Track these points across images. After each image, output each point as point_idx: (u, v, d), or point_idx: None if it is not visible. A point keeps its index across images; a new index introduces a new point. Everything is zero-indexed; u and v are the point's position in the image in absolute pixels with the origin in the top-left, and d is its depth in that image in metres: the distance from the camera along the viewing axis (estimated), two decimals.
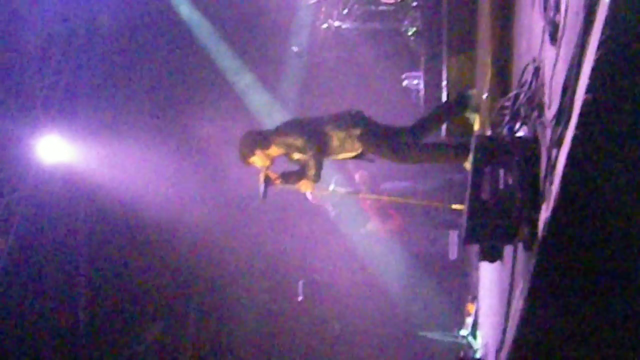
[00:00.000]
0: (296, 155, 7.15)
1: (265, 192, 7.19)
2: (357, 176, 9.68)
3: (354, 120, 7.08)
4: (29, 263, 11.85)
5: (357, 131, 7.02)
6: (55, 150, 11.44)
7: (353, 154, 7.18)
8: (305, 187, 7.21)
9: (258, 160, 7.15)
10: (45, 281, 12.12)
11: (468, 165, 7.01)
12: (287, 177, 7.28)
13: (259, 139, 7.20)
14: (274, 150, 7.15)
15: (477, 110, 7.24)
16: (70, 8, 11.63)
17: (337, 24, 11.14)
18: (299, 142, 7.03)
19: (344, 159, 7.38)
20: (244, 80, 12.84)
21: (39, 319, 12.07)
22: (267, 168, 7.16)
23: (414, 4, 10.55)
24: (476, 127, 7.25)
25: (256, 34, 12.67)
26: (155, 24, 12.68)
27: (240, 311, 13.37)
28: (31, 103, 11.27)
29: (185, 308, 13.36)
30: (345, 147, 7.08)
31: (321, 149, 7.02)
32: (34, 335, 12.02)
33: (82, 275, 12.64)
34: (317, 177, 7.09)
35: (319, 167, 7.04)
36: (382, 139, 7.12)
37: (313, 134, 7.02)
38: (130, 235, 12.96)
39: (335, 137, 7.03)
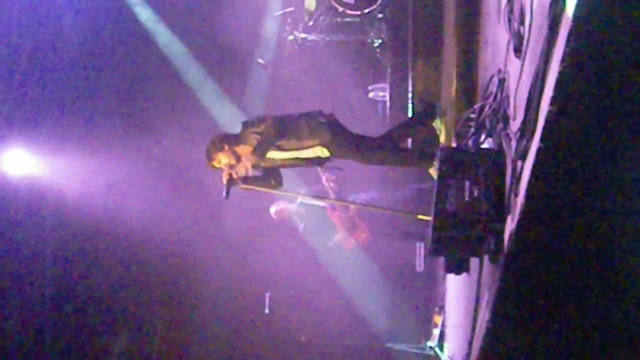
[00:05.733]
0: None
1: (228, 192, 7.21)
2: (324, 177, 9.53)
3: (323, 113, 7.19)
4: None
5: (326, 119, 7.17)
6: (20, 163, 11.33)
7: (320, 153, 7.19)
8: (243, 165, 7.10)
9: (224, 157, 7.16)
10: (10, 294, 11.98)
11: (433, 171, 7.08)
12: (249, 180, 7.32)
13: (228, 136, 7.28)
14: (242, 149, 7.17)
15: (443, 119, 7.30)
16: (35, 21, 11.54)
17: (302, 35, 11.13)
18: (262, 126, 7.06)
19: (311, 162, 7.36)
20: (209, 92, 12.80)
21: (2, 332, 11.92)
22: (231, 168, 7.17)
23: (380, 15, 10.59)
24: (442, 137, 7.30)
25: (222, 45, 12.62)
26: (120, 36, 12.61)
27: (206, 322, 13.30)
28: None
29: (151, 319, 13.26)
30: (314, 136, 7.10)
31: (281, 133, 7.06)
32: None
33: (47, 288, 12.50)
34: (259, 154, 7.07)
35: (267, 145, 7.05)
36: (349, 134, 7.21)
37: (280, 120, 7.10)
38: (96, 247, 12.86)
39: (305, 123, 7.10)
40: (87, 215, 12.26)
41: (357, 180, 9.94)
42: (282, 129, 7.09)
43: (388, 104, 10.43)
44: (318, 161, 7.31)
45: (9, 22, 11.14)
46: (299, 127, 7.12)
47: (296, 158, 7.25)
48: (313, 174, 9.38)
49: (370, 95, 11.34)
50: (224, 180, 7.17)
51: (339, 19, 10.85)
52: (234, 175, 7.17)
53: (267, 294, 11.84)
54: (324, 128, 7.14)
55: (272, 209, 9.74)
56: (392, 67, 10.22)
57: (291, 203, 9.58)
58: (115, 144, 12.44)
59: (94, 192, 12.20)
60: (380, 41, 10.83)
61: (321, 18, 10.88)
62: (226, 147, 7.16)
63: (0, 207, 11.44)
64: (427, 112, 7.56)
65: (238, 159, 7.23)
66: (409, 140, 8.13)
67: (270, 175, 7.41)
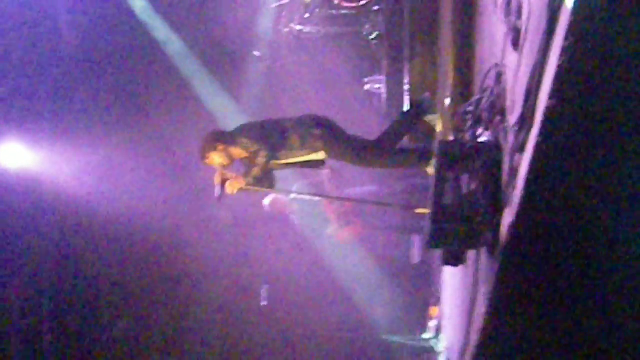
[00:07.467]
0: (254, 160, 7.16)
1: (221, 193, 7.19)
2: (324, 173, 9.47)
3: (316, 120, 7.14)
4: None
5: (319, 131, 7.07)
6: (17, 156, 11.31)
7: (316, 157, 7.18)
8: (232, 185, 7.10)
9: (218, 157, 7.15)
10: (9, 287, 11.98)
11: (430, 170, 7.07)
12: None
13: (223, 135, 7.25)
14: (236, 151, 7.16)
15: (436, 112, 7.29)
16: (30, 13, 11.52)
17: (298, 28, 11.14)
18: (253, 146, 7.04)
19: (307, 167, 7.36)
20: (206, 85, 12.78)
21: (2, 320, 11.94)
22: (225, 168, 7.17)
23: (376, 8, 10.58)
24: (438, 127, 7.29)
25: (218, 38, 12.61)
26: (116, 28, 12.59)
27: (204, 315, 13.32)
28: None
29: (149, 311, 13.28)
30: (307, 147, 7.09)
31: (274, 156, 7.04)
32: None
33: (46, 280, 12.50)
34: (252, 181, 7.07)
35: (262, 173, 7.05)
36: (344, 141, 7.17)
37: (270, 135, 7.06)
38: (94, 239, 12.87)
39: (296, 136, 7.06)
40: (85, 207, 12.28)
41: (354, 173, 9.95)
42: (273, 147, 7.05)
43: (384, 96, 10.43)
44: (315, 164, 7.31)
45: (5, 15, 11.12)
46: (290, 141, 7.08)
47: (293, 163, 7.24)
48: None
49: (367, 87, 11.34)
50: (217, 181, 7.16)
51: (335, 11, 10.85)
52: (227, 176, 7.16)
53: (264, 287, 11.86)
54: (316, 139, 7.09)
55: (266, 201, 9.72)
56: (388, 60, 10.22)
57: (285, 196, 9.56)
58: (113, 137, 12.44)
59: (91, 184, 12.22)
60: (376, 33, 10.83)
61: (317, 10, 10.89)
62: (220, 147, 7.13)
63: None
64: (417, 109, 7.54)
65: (232, 160, 7.21)
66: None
67: (264, 176, 7.38)
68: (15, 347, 12.09)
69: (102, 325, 13.20)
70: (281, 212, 9.84)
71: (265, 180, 7.36)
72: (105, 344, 13.16)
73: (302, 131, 7.09)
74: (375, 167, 7.55)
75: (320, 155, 7.19)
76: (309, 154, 7.15)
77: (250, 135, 7.13)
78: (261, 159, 7.01)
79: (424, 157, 7.14)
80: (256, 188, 7.43)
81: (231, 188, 7.13)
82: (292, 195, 9.25)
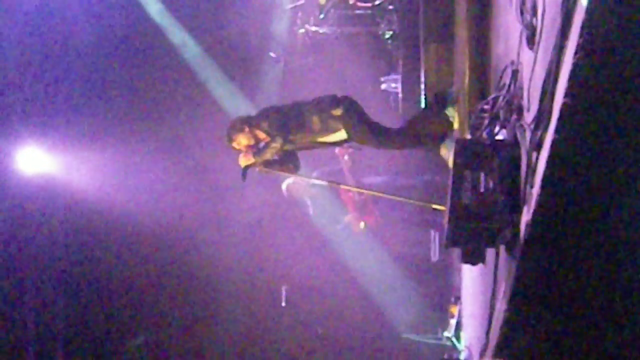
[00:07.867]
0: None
1: (244, 173, 7.33)
2: (343, 160, 9.42)
3: (336, 101, 7.20)
4: (8, 275, 11.76)
5: (338, 111, 7.13)
6: (35, 161, 11.38)
7: (338, 137, 7.26)
8: (243, 159, 7.32)
9: (244, 139, 7.27)
10: (25, 293, 12.03)
11: (444, 151, 7.13)
12: (267, 163, 7.41)
13: (248, 118, 7.43)
14: (260, 133, 7.27)
15: (455, 106, 7.30)
16: (47, 19, 11.59)
17: (314, 28, 11.15)
18: (272, 130, 7.17)
19: (330, 145, 7.44)
20: (222, 87, 12.82)
21: (16, 332, 11.96)
22: (250, 149, 7.27)
23: (390, 7, 10.59)
24: (455, 124, 7.30)
25: (233, 40, 12.64)
26: (132, 33, 12.64)
27: (224, 318, 13.33)
28: (9, 114, 11.21)
29: (168, 316, 13.29)
30: (328, 129, 7.17)
31: (288, 141, 7.19)
32: (12, 348, 11.91)
33: (62, 287, 12.55)
34: (262, 162, 7.25)
35: (273, 157, 7.30)
36: (365, 121, 7.23)
37: (289, 121, 7.20)
38: (111, 245, 12.90)
39: (316, 119, 7.14)
40: (102, 212, 12.33)
41: (372, 162, 9.94)
42: (289, 133, 7.15)
43: (400, 95, 10.43)
44: (338, 143, 7.43)
45: (22, 21, 11.19)
46: (310, 123, 7.18)
47: (316, 142, 7.33)
48: (331, 154, 9.35)
49: (383, 87, 11.34)
50: (241, 163, 7.28)
51: (350, 12, 10.86)
52: (254, 158, 7.27)
53: (283, 288, 11.86)
54: (336, 120, 7.17)
55: (284, 185, 9.67)
56: (403, 59, 10.23)
57: (303, 181, 9.50)
58: (130, 140, 12.48)
59: (108, 189, 12.26)
60: (391, 33, 10.83)
61: (332, 11, 10.90)
62: (246, 129, 7.29)
63: (15, 204, 11.50)
64: (438, 102, 7.58)
65: (257, 141, 7.34)
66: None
67: (289, 159, 7.50)
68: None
69: (122, 332, 13.21)
70: (298, 196, 9.79)
71: (289, 162, 7.48)
72: (124, 353, 13.18)
73: (321, 112, 7.18)
74: (392, 148, 7.62)
75: (342, 135, 7.27)
76: (329, 134, 7.23)
77: (270, 119, 7.24)
78: (275, 144, 7.15)
79: (438, 138, 7.23)
80: (276, 171, 7.56)
81: (241, 161, 7.33)
82: (312, 181, 9.23)
